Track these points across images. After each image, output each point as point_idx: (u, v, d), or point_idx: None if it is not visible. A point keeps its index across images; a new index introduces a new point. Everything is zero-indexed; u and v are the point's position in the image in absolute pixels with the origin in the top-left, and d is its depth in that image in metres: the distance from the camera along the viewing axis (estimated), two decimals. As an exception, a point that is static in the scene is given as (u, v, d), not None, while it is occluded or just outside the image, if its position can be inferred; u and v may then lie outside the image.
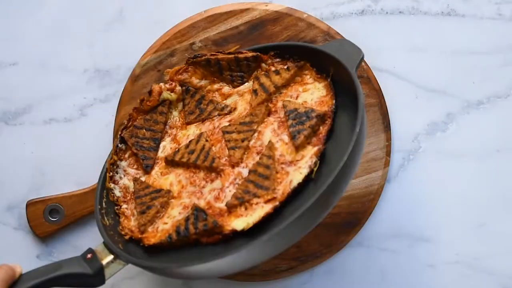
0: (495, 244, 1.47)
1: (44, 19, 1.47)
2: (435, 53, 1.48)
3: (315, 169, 1.27)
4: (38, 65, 1.47)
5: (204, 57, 1.40)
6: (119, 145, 1.39)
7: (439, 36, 1.48)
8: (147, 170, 1.38)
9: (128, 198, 1.38)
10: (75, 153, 1.47)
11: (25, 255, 1.46)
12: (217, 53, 1.40)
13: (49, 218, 1.43)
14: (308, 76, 1.37)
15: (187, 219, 1.29)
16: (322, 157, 1.28)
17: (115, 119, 1.44)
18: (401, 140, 1.47)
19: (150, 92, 1.40)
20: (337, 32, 1.44)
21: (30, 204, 1.43)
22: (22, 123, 1.47)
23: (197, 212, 1.28)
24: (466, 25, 1.48)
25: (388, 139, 1.44)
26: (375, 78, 1.44)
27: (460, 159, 1.47)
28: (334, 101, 1.31)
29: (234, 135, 1.35)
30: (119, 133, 1.39)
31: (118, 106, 1.44)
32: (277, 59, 1.39)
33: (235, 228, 1.25)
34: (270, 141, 1.31)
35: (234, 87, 1.40)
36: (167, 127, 1.41)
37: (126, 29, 1.47)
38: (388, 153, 1.45)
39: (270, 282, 1.46)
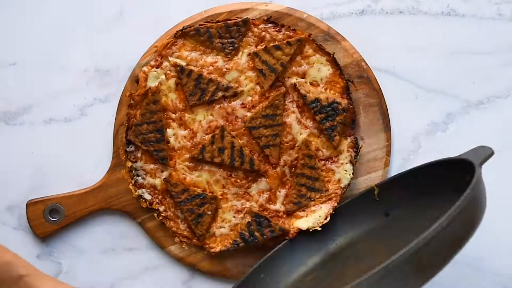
0: (495, 244, 1.48)
1: (44, 19, 1.47)
2: (435, 53, 1.48)
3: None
4: (38, 65, 1.47)
5: (192, 27, 1.41)
6: (127, 149, 1.41)
7: (439, 36, 1.48)
8: (164, 162, 1.41)
9: (160, 198, 1.42)
10: (75, 153, 1.46)
11: (25, 255, 1.46)
12: (205, 23, 1.42)
13: (49, 218, 1.43)
14: (308, 47, 1.41)
15: (248, 225, 1.40)
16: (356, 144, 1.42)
17: (115, 119, 1.44)
18: (401, 140, 1.47)
19: (137, 81, 1.41)
20: (337, 32, 1.44)
21: (30, 204, 1.43)
22: (22, 123, 1.47)
23: (258, 218, 1.40)
24: (466, 25, 1.48)
25: (388, 139, 1.44)
26: (375, 78, 1.44)
27: None
28: (345, 82, 1.41)
29: (262, 131, 1.41)
30: (125, 136, 1.41)
31: (118, 106, 1.44)
32: (270, 24, 1.42)
33: (300, 228, 1.40)
34: (305, 140, 1.41)
35: (225, 54, 1.41)
36: (169, 112, 1.42)
37: (126, 29, 1.47)
38: (388, 153, 1.45)
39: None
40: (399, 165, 1.47)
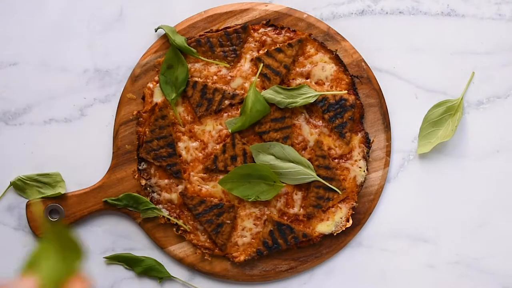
0: (495, 244, 1.48)
1: (44, 19, 1.47)
2: (435, 53, 1.48)
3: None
4: (38, 65, 1.47)
5: (193, 39, 1.41)
6: (139, 167, 1.41)
7: (439, 36, 1.48)
8: (178, 176, 1.42)
9: (178, 212, 1.42)
10: (75, 153, 1.46)
11: (25, 255, 1.46)
12: (205, 33, 1.42)
13: (49, 219, 1.43)
14: (309, 47, 1.41)
15: (271, 233, 1.40)
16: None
17: (115, 119, 1.44)
18: (401, 140, 1.47)
19: (143, 98, 1.42)
20: (337, 32, 1.44)
21: (30, 204, 1.43)
22: (22, 123, 1.47)
23: (280, 226, 1.40)
24: (466, 25, 1.48)
25: (388, 139, 1.45)
26: (375, 78, 1.44)
27: (460, 160, 1.48)
28: (350, 78, 1.41)
29: (272, 134, 1.41)
30: (136, 154, 1.41)
31: (118, 106, 1.44)
32: (269, 28, 1.42)
33: (323, 233, 1.42)
34: (317, 141, 1.41)
35: (228, 62, 1.41)
36: (178, 126, 1.42)
37: (126, 29, 1.47)
38: (388, 154, 1.45)
39: (270, 283, 1.46)
40: (399, 165, 1.47)
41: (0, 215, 1.46)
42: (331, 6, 1.47)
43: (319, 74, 1.42)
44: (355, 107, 1.41)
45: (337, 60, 1.41)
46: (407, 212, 1.48)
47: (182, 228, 1.42)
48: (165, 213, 1.42)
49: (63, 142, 1.47)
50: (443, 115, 1.45)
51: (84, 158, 1.46)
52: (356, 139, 1.42)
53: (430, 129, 1.45)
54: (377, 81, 1.45)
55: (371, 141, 1.43)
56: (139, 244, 1.47)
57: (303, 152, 1.41)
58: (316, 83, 1.42)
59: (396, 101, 1.47)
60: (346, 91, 1.40)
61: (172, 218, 1.42)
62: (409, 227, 1.48)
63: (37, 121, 1.47)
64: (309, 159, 1.41)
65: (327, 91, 1.41)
